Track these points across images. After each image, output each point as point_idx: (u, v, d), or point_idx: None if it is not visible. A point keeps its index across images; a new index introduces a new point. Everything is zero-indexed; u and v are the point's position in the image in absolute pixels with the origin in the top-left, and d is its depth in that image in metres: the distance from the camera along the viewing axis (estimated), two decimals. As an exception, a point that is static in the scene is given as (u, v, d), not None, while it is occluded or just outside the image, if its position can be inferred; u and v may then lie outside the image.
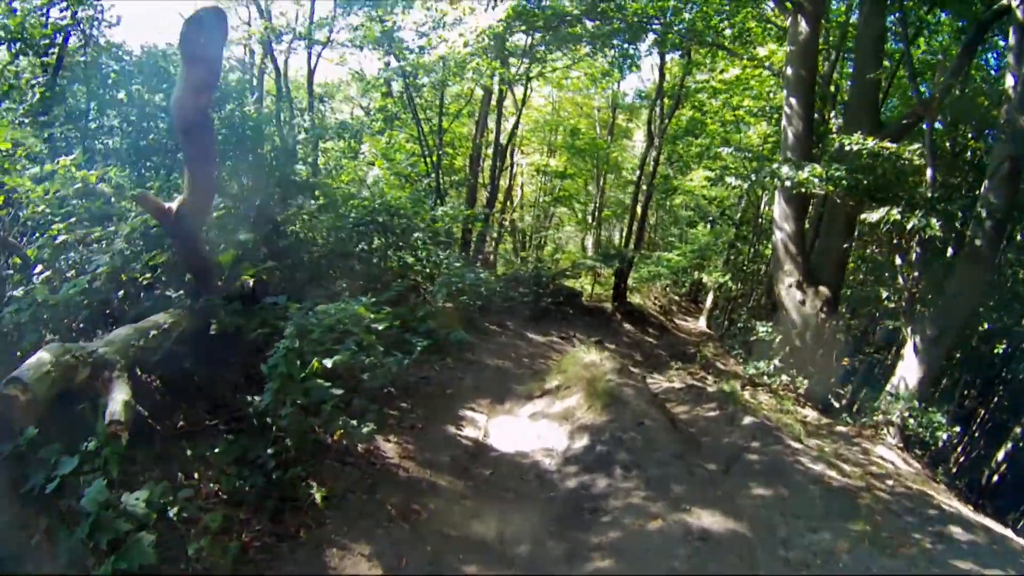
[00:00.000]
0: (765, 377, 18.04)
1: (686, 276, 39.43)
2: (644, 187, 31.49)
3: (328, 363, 9.47)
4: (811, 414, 16.41)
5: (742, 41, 26.67)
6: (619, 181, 43.28)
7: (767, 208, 32.22)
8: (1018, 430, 23.11)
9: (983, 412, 25.89)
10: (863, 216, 16.87)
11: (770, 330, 19.03)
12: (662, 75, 30.87)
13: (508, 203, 37.39)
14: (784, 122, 19.57)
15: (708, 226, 41.19)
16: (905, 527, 9.46)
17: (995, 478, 23.55)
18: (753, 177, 17.66)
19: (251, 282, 11.67)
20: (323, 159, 27.00)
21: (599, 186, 41.20)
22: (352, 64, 32.96)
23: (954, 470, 23.26)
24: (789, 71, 19.43)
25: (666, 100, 31.15)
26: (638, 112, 42.88)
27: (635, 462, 10.51)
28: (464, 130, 34.89)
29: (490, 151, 32.53)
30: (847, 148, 16.01)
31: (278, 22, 30.69)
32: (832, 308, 18.78)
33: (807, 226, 20.14)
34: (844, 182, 15.82)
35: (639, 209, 32.33)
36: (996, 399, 25.83)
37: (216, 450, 8.75)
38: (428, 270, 19.31)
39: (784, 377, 17.77)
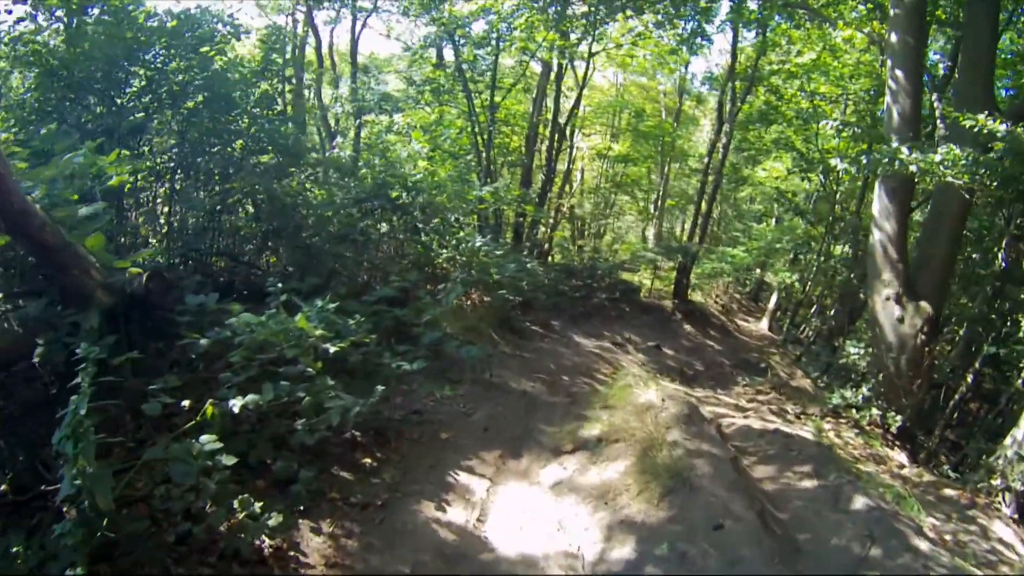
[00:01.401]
0: (853, 410, 14.91)
1: (749, 275, 37.31)
2: (711, 176, 28.09)
3: (236, 407, 6.72)
4: (906, 463, 13.61)
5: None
6: (684, 171, 39.93)
7: (848, 205, 28.94)
8: None
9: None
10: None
11: (862, 352, 15.81)
12: (734, 54, 27.14)
13: (566, 188, 33.65)
14: (888, 99, 15.95)
15: (775, 222, 38.19)
16: None
17: None
18: (864, 160, 13.58)
19: (143, 278, 7.63)
20: (366, 133, 24.26)
21: (663, 174, 37.67)
22: (403, 35, 29.31)
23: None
24: (893, 38, 15.78)
25: (737, 84, 27.38)
26: (705, 100, 39.79)
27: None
28: (521, 108, 31.20)
29: (548, 131, 28.79)
30: (975, 129, 12.23)
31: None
32: (934, 329, 15.38)
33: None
34: (994, 171, 12.27)
35: (705, 200, 28.80)
36: None
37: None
38: (463, 258, 15.17)
39: (874, 411, 14.61)
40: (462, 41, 24.62)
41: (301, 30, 29.78)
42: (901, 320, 15.01)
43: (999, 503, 11.66)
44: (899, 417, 14.53)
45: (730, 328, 29.27)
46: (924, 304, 14.99)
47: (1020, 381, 16.30)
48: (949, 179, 12.51)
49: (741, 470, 9.27)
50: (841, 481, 9.59)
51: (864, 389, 15.00)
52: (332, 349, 7.58)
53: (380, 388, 8.09)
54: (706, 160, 28.98)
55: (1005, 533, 10.42)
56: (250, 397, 6.77)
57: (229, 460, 6.29)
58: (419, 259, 13.99)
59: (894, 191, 15.35)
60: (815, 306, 31.94)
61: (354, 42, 28.38)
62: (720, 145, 27.60)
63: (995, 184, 12.80)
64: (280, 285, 8.82)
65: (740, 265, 30.76)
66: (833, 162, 14.97)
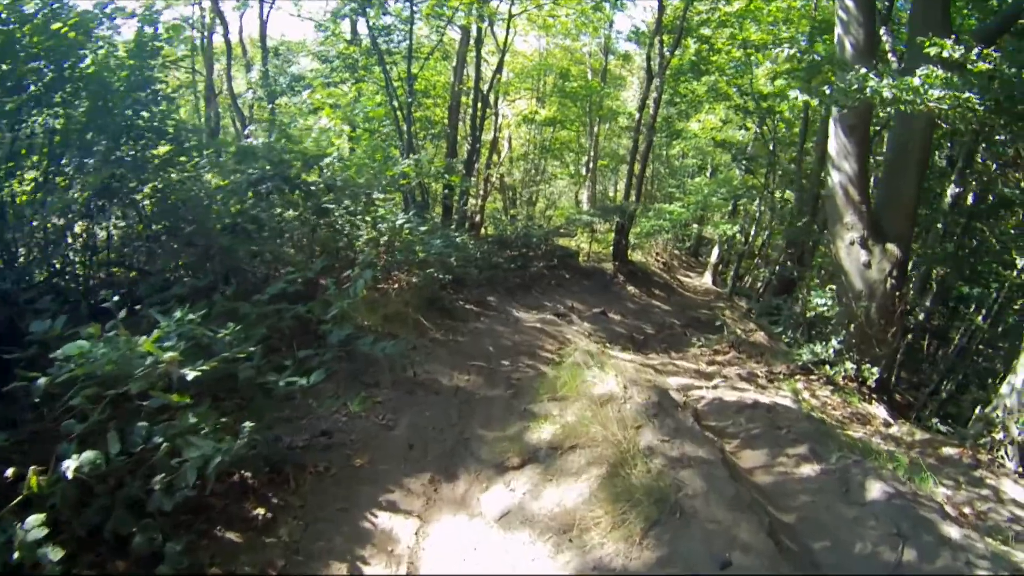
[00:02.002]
0: (826, 365, 13.33)
1: (687, 231, 36.50)
2: (643, 133, 26.25)
3: (68, 471, 4.81)
4: (891, 420, 12.30)
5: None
6: (614, 131, 38.99)
7: (787, 151, 27.40)
8: None
9: None
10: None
11: (830, 303, 14.14)
12: (661, 5, 25.40)
13: (494, 157, 32.08)
14: (839, 30, 14.34)
15: (709, 175, 37.60)
16: None
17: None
18: (827, 91, 11.98)
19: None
20: (284, 117, 21.73)
21: (592, 135, 36.25)
22: (314, 14, 27.64)
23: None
24: (842, -37, 14.14)
25: (665, 38, 25.74)
26: (632, 59, 39.10)
27: None
28: (442, 79, 29.64)
29: (471, 100, 27.22)
30: (942, 54, 10.82)
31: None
32: (903, 273, 14.21)
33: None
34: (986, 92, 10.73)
35: (638, 158, 27.12)
36: None
37: None
38: (384, 238, 13.39)
39: (848, 364, 13.08)
40: (373, 11, 22.65)
41: (208, 19, 27.79)
42: (868, 265, 13.64)
43: (1003, 458, 10.52)
44: (875, 369, 13.14)
45: (674, 286, 28.35)
46: (891, 246, 13.62)
47: (1013, 319, 14.77)
48: (931, 106, 10.84)
49: (737, 474, 7.30)
50: (846, 462, 7.83)
51: (834, 342, 13.34)
52: (191, 375, 5.50)
53: (248, 426, 5.87)
54: (637, 116, 27.40)
55: (1017, 493, 9.13)
56: (86, 455, 4.72)
57: (56, 554, 4.41)
58: (328, 244, 11.89)
59: (852, 128, 13.88)
60: (757, 257, 31.65)
61: (263, 24, 26.78)
62: (651, 100, 26.05)
63: (983, 108, 11.09)
64: (117, 297, 6.42)
65: (678, 221, 29.29)
66: (792, 94, 13.24)
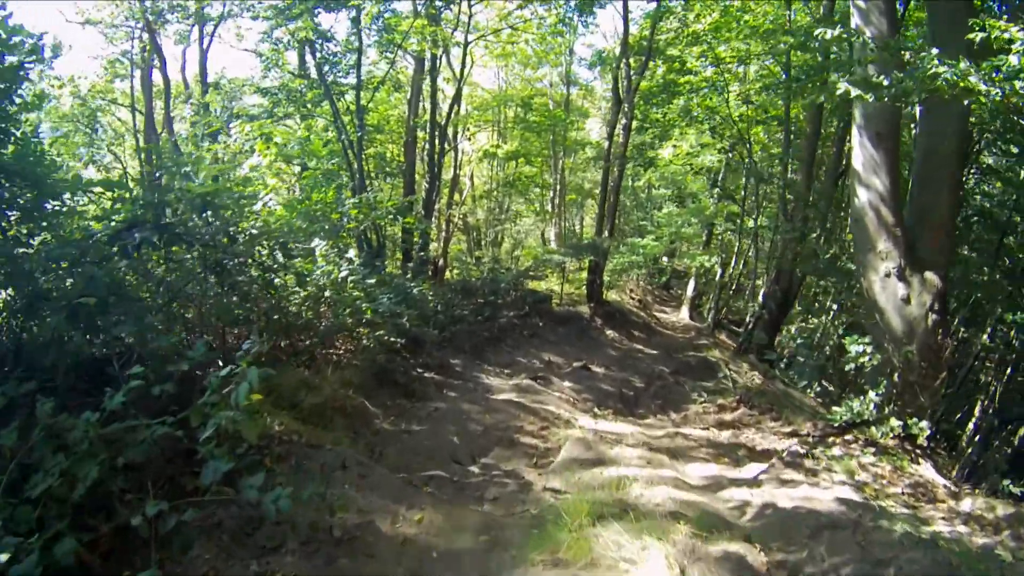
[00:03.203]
0: (869, 425, 10.48)
1: (659, 264, 34.27)
2: (615, 161, 23.50)
3: None
4: (949, 485, 9.57)
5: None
6: (579, 164, 36.00)
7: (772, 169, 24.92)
8: None
9: None
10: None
11: (867, 349, 11.09)
12: (626, 25, 22.99)
13: (455, 195, 29.85)
14: (856, 20, 11.79)
15: (678, 206, 35.16)
16: None
17: None
18: (885, 82, 8.99)
19: None
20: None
21: (558, 169, 33.68)
22: (259, 46, 24.69)
23: None
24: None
25: (632, 61, 23.22)
26: (594, 90, 37.63)
27: None
28: (396, 112, 27.56)
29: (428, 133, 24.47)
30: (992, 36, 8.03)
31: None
32: (944, 304, 11.19)
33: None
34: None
35: (610, 188, 24.31)
36: None
37: None
38: (318, 297, 10.35)
39: (894, 422, 10.22)
40: (319, 40, 20.03)
41: (143, 56, 25.19)
42: (907, 300, 10.85)
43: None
44: (923, 424, 10.27)
45: (652, 325, 25.76)
46: (930, 275, 10.85)
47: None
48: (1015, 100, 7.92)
49: None
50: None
51: (872, 395, 10.58)
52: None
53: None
54: (606, 145, 24.66)
55: None
56: None
57: None
58: (224, 314, 8.43)
59: (879, 137, 11.23)
60: (734, 288, 30.13)
61: (203, 57, 24.21)
62: (620, 127, 23.33)
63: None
64: None
65: (651, 255, 27.39)
66: (842, 86, 10.09)
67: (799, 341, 18.08)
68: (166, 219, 7.30)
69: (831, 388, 12.48)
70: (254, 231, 8.71)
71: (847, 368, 11.46)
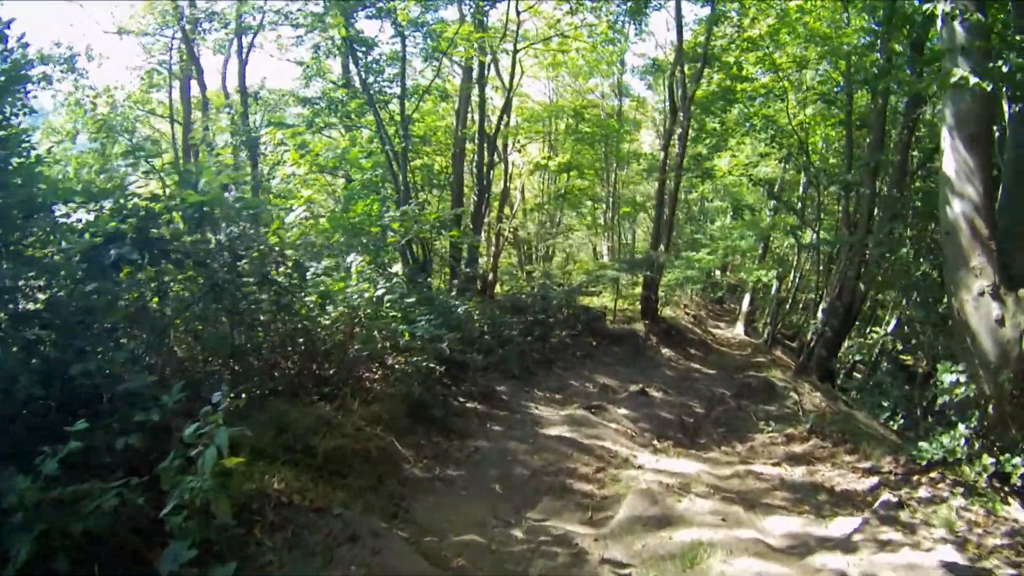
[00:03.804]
0: (964, 465, 9.05)
1: (712, 279, 33.14)
2: (671, 172, 22.21)
3: None
4: None
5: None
6: (632, 176, 34.62)
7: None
8: None
9: None
10: None
11: (961, 379, 9.57)
12: (680, 28, 21.75)
13: (506, 209, 28.51)
14: (944, 5, 10.39)
15: (730, 218, 33.70)
16: None
17: None
18: None
19: None
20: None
21: (611, 181, 32.39)
22: (299, 55, 23.67)
23: None
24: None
25: (687, 70, 21.84)
26: (645, 104, 36.29)
27: None
28: (444, 124, 26.09)
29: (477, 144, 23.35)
30: None
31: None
32: None
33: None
34: None
35: (667, 200, 22.99)
36: None
37: None
38: (348, 317, 9.07)
39: (987, 459, 8.83)
40: (361, 47, 18.97)
41: (181, 67, 24.64)
42: (1001, 322, 9.46)
43: None
44: (1017, 461, 8.70)
45: (708, 341, 24.62)
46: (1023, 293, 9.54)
47: None
48: None
49: None
50: None
51: (962, 428, 9.21)
52: None
53: None
54: (662, 156, 23.49)
55: None
56: None
57: None
58: (219, 348, 7.05)
59: (973, 139, 9.86)
60: (791, 303, 29.39)
61: (242, 67, 23.02)
62: (676, 137, 22.14)
63: None
64: None
65: (706, 269, 26.46)
66: (958, 72, 8.71)
67: (884, 367, 16.54)
68: (154, 233, 6.05)
69: (919, 424, 10.99)
70: (263, 247, 7.41)
71: (941, 401, 10.02)
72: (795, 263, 27.76)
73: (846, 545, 6.92)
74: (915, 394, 11.16)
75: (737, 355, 23.13)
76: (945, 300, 12.30)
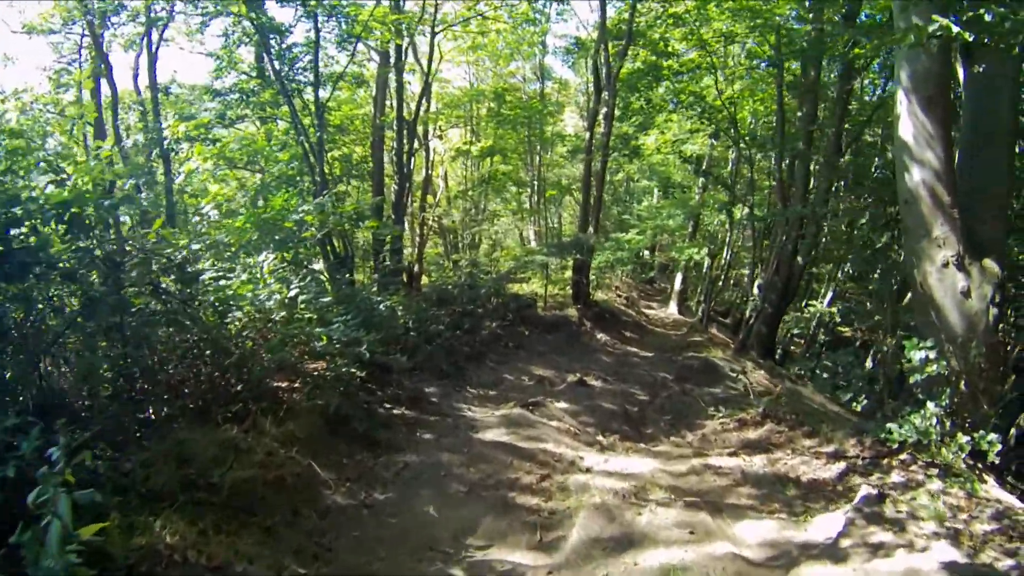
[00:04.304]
0: (932, 442, 8.42)
1: (642, 259, 34.01)
2: (597, 152, 21.81)
3: None
4: None
5: None
6: (556, 160, 33.85)
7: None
8: None
9: None
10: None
11: (931, 355, 8.76)
12: (603, 5, 21.03)
13: (428, 197, 28.02)
14: None
15: (663, 197, 34.14)
16: None
17: None
18: None
19: None
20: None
21: (535, 165, 31.55)
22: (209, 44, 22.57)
23: None
24: None
25: (611, 47, 21.12)
26: (568, 86, 35.94)
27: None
28: (362, 112, 25.14)
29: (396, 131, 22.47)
30: None
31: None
32: (1004, 295, 9.60)
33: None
34: None
35: (594, 181, 22.38)
36: None
37: None
38: (260, 323, 8.24)
39: (962, 438, 8.19)
40: (273, 34, 17.85)
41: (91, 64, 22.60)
42: (967, 293, 9.16)
43: None
44: (992, 437, 8.12)
45: (643, 323, 24.43)
46: (989, 263, 9.23)
47: None
48: None
49: None
50: None
51: (931, 406, 8.45)
52: None
53: None
54: (588, 136, 22.83)
55: None
56: None
57: None
58: (92, 374, 5.87)
59: (930, 102, 9.45)
60: (744, 279, 28.92)
61: (152, 63, 21.44)
62: (601, 116, 21.48)
63: None
64: None
65: (636, 249, 26.44)
66: (938, 20, 7.93)
67: (845, 350, 16.00)
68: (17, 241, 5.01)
69: (885, 402, 10.31)
70: (144, 253, 6.31)
71: (912, 380, 9.27)
72: (727, 240, 27.17)
73: (834, 552, 6.13)
74: (877, 373, 10.46)
75: (673, 335, 22.75)
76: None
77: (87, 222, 5.56)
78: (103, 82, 22.17)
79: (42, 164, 6.06)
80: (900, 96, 9.83)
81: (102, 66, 21.74)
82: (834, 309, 21.15)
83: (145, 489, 5.02)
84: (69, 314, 5.71)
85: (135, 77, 22.73)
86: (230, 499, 5.49)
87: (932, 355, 8.71)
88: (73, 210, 5.39)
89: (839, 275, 23.10)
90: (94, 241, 5.74)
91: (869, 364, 11.84)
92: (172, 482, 5.26)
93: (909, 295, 12.63)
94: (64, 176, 5.86)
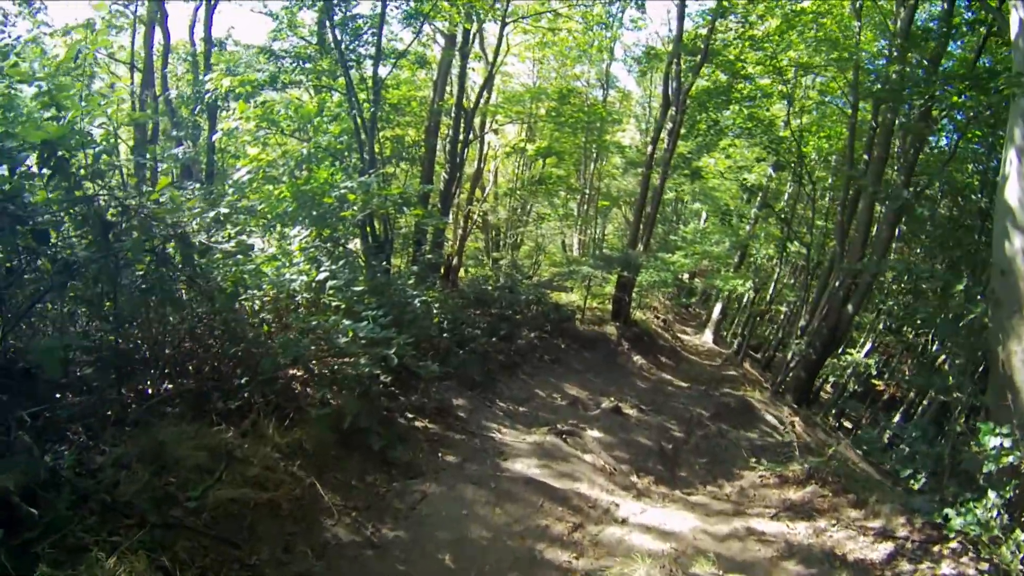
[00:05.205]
0: (999, 546, 7.33)
1: (683, 283, 32.78)
2: (657, 167, 20.64)
3: None
4: None
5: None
6: (607, 170, 32.96)
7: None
8: None
9: None
10: None
11: (1005, 443, 7.79)
12: (681, 17, 20.13)
13: (477, 191, 27.20)
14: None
15: (702, 222, 33.58)
16: None
17: None
18: None
19: None
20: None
21: (588, 173, 30.88)
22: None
23: None
24: None
25: (683, 64, 20.22)
26: (630, 97, 35.32)
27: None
28: (421, 94, 24.35)
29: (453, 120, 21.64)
30: None
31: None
32: None
33: None
34: None
35: (650, 198, 21.37)
36: None
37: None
38: (280, 306, 7.64)
39: (1020, 535, 7.20)
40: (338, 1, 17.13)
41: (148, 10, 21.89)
42: None
43: None
44: None
45: (678, 349, 23.48)
46: None
47: None
48: None
49: None
50: None
51: (992, 496, 7.59)
52: None
53: None
54: (649, 148, 21.69)
55: None
56: None
57: None
58: (45, 357, 4.94)
59: None
60: (781, 316, 28.00)
61: (210, 10, 20.53)
62: (667, 130, 20.48)
63: None
64: None
65: (680, 271, 25.11)
66: None
67: (912, 423, 14.96)
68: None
69: (944, 487, 9.32)
70: (144, 213, 5.29)
71: (985, 471, 8.23)
72: (775, 275, 26.39)
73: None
74: (943, 452, 9.41)
75: (707, 365, 22.05)
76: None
77: (74, 170, 4.56)
78: (157, 29, 21.47)
79: (42, 98, 5.02)
80: (1011, 156, 8.87)
81: (158, 13, 21.05)
82: (871, 360, 20.25)
83: (111, 498, 4.06)
84: (44, 279, 4.75)
85: (191, 28, 22.07)
86: (211, 524, 4.49)
87: (1007, 443, 7.72)
88: (60, 153, 4.38)
89: (880, 326, 22.24)
90: (80, 192, 4.75)
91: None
92: (144, 495, 4.28)
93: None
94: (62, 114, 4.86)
